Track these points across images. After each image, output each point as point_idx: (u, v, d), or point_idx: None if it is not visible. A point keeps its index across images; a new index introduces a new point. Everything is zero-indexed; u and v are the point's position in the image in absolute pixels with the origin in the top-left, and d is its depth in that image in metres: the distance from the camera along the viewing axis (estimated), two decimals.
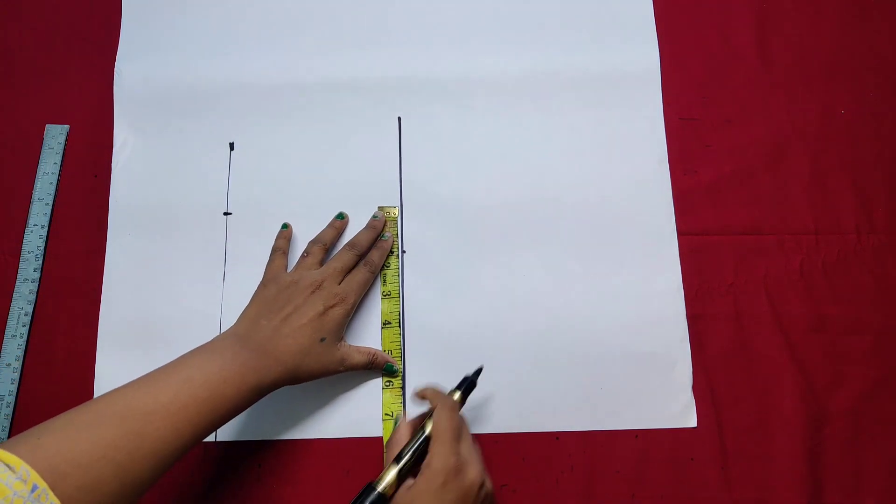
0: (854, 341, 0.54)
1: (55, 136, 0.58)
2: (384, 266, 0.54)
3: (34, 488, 0.30)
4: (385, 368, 0.52)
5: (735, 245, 0.56)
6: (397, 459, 0.43)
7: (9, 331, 0.53)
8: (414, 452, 0.43)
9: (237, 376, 0.42)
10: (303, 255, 0.52)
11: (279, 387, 0.45)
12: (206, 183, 0.57)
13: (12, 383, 0.52)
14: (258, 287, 0.51)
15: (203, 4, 0.62)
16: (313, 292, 0.49)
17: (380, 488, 0.42)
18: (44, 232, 0.56)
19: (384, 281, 0.54)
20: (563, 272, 0.55)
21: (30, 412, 0.52)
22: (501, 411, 0.52)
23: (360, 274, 0.52)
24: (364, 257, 0.53)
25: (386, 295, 0.54)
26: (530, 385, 0.53)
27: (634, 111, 0.59)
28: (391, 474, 0.42)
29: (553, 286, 0.55)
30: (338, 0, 0.61)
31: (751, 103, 0.59)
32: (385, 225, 0.55)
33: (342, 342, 0.50)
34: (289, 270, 0.52)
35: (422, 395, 0.47)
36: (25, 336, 0.53)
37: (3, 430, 0.51)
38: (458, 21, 0.61)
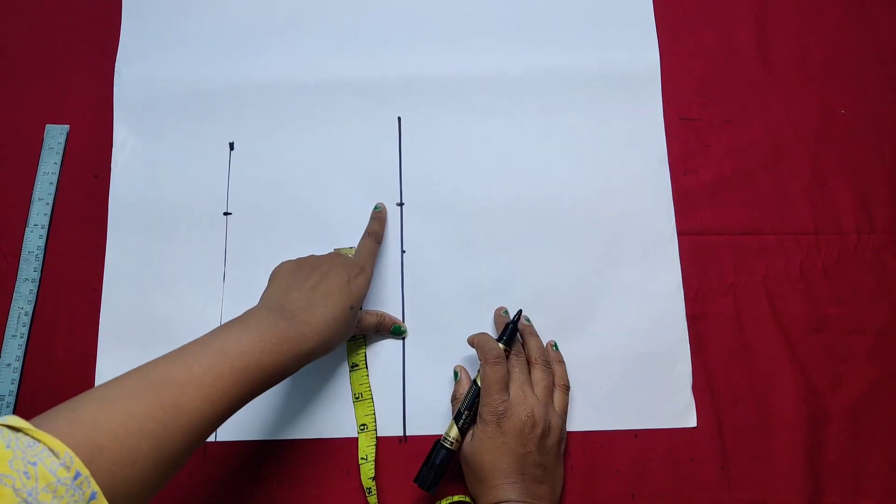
0: (854, 341, 0.54)
1: (55, 136, 0.58)
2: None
3: (77, 475, 0.30)
4: (393, 330, 0.53)
5: (735, 245, 0.56)
6: (457, 416, 0.48)
7: (9, 331, 0.53)
8: (470, 406, 0.48)
9: (274, 346, 0.41)
10: None
11: (315, 357, 0.44)
12: (206, 183, 0.57)
13: (12, 383, 0.52)
14: (276, 268, 0.49)
15: (203, 5, 0.62)
16: (334, 260, 0.48)
17: (447, 445, 0.47)
18: (44, 232, 0.56)
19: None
20: (563, 272, 0.55)
21: (30, 412, 0.52)
22: None
23: (367, 244, 0.52)
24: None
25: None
26: None
27: (634, 111, 0.59)
28: (454, 431, 0.47)
29: (553, 286, 0.55)
30: (338, 0, 0.62)
31: (751, 103, 0.59)
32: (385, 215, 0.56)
33: None
34: None
35: (470, 343, 0.51)
36: (25, 336, 0.53)
37: None
38: (458, 21, 0.61)
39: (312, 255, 0.50)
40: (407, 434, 0.52)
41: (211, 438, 0.51)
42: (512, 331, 0.50)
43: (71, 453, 0.30)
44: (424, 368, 0.53)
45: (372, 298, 0.54)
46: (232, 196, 0.57)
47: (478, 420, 0.47)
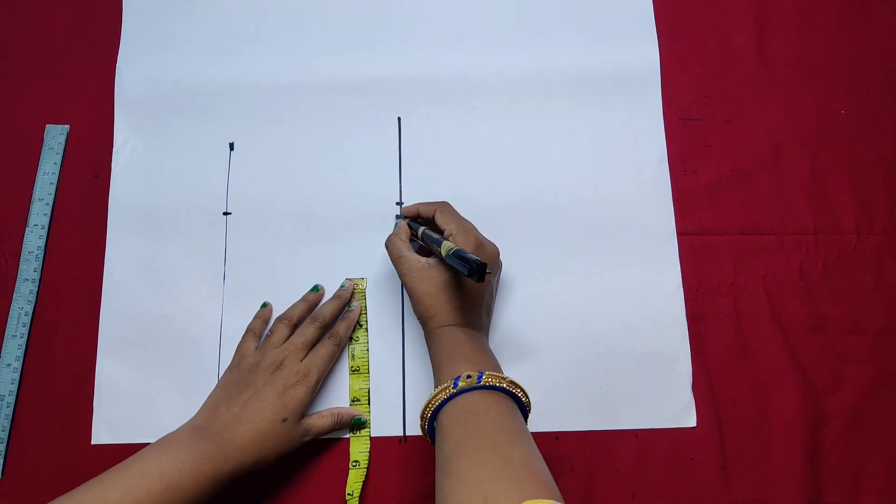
0: (854, 341, 0.54)
1: (55, 136, 0.58)
2: (351, 339, 0.53)
3: None
4: (353, 423, 0.51)
5: (735, 245, 0.56)
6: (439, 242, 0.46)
7: (9, 331, 0.53)
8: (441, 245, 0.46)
9: (193, 466, 0.42)
10: (268, 335, 0.51)
11: (242, 473, 0.45)
12: (206, 183, 0.57)
13: (12, 383, 0.52)
14: (225, 372, 0.50)
15: (203, 5, 0.62)
16: (273, 372, 0.48)
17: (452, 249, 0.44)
18: (44, 232, 0.56)
19: (352, 356, 0.53)
20: (563, 272, 0.55)
21: (30, 412, 0.52)
22: None
23: (323, 348, 0.50)
24: (329, 330, 0.52)
25: (354, 370, 0.53)
26: (530, 384, 0.52)
27: (634, 111, 0.59)
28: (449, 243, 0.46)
29: (553, 286, 0.55)
30: (338, 0, 0.62)
31: (750, 103, 0.59)
32: (353, 296, 0.54)
33: (305, 416, 0.49)
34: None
35: (406, 210, 0.52)
36: (25, 336, 0.53)
37: (4, 430, 0.51)
38: (458, 21, 0.61)
39: (263, 359, 0.48)
40: (407, 434, 0.52)
41: None
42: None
43: None
44: (424, 368, 0.53)
45: (372, 304, 0.54)
46: (232, 196, 0.57)
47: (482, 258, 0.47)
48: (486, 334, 0.51)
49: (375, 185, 0.57)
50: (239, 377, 0.48)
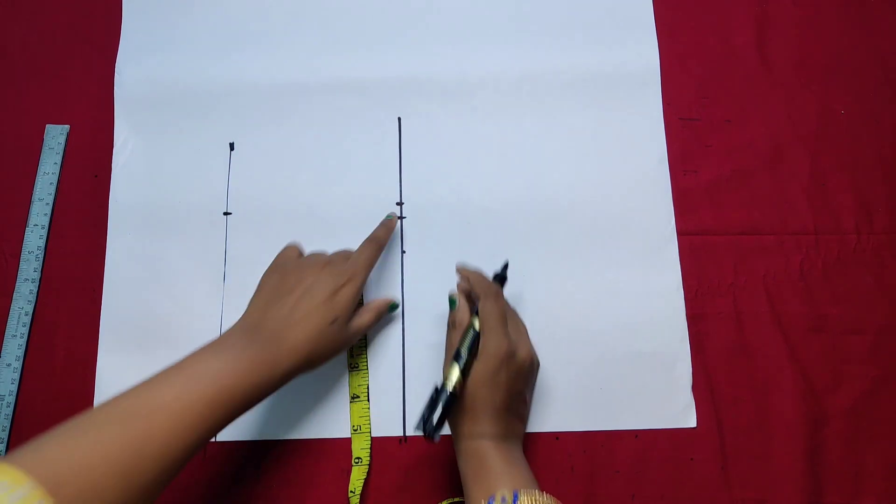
0: (854, 341, 0.54)
1: (55, 136, 0.58)
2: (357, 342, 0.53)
3: None
4: (391, 308, 0.53)
5: (735, 245, 0.56)
6: (456, 357, 0.44)
7: (9, 331, 0.53)
8: (469, 348, 0.45)
9: (247, 371, 0.40)
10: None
11: (294, 376, 0.44)
12: (206, 183, 0.57)
13: (12, 383, 0.52)
14: (265, 273, 0.49)
15: (203, 5, 0.62)
16: (322, 268, 0.47)
17: (450, 388, 0.43)
18: (44, 232, 0.56)
19: (350, 353, 0.53)
20: (563, 272, 0.55)
21: (30, 412, 0.52)
22: None
23: (366, 250, 0.50)
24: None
25: (353, 368, 0.53)
26: None
27: (634, 111, 0.59)
28: (455, 373, 0.44)
29: (553, 286, 0.55)
30: (338, 0, 0.62)
31: (750, 103, 0.59)
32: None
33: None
34: None
35: (465, 276, 0.49)
36: (25, 336, 0.53)
37: (4, 430, 0.51)
38: (458, 21, 0.61)
39: (304, 260, 0.48)
40: (407, 434, 0.52)
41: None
42: (502, 277, 0.50)
43: (34, 485, 0.30)
44: (424, 368, 0.53)
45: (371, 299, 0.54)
46: (232, 196, 0.57)
47: (479, 356, 0.44)
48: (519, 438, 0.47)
49: (375, 185, 0.57)
50: (283, 277, 0.47)
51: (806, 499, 0.50)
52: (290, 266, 0.48)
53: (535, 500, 0.39)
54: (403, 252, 0.55)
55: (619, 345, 0.53)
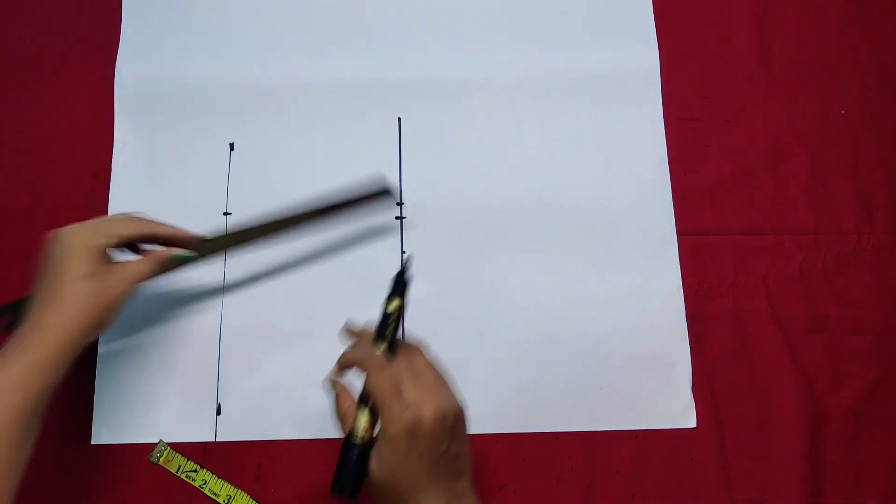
0: (854, 341, 0.54)
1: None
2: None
3: None
4: (177, 259, 0.47)
5: (735, 245, 0.56)
6: (363, 399, 0.40)
7: None
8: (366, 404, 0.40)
9: (34, 371, 0.40)
10: None
11: (85, 341, 0.43)
12: (206, 183, 0.57)
13: None
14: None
15: (203, 5, 0.62)
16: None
17: (358, 439, 0.40)
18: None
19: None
20: (563, 272, 0.55)
21: None
22: (501, 411, 0.52)
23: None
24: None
25: None
26: (530, 385, 0.53)
27: (634, 111, 0.59)
28: (364, 420, 0.40)
29: (553, 286, 0.55)
30: (338, 0, 0.62)
31: (750, 104, 0.59)
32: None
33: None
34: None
35: (345, 363, 0.42)
36: None
37: None
38: (458, 21, 0.61)
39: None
40: None
41: (210, 438, 0.51)
42: (383, 322, 0.43)
43: None
44: None
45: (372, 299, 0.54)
46: (232, 196, 0.57)
47: (381, 439, 0.38)
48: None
49: None
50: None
51: (806, 499, 0.50)
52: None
53: None
54: (403, 252, 0.55)
55: (619, 345, 0.53)
